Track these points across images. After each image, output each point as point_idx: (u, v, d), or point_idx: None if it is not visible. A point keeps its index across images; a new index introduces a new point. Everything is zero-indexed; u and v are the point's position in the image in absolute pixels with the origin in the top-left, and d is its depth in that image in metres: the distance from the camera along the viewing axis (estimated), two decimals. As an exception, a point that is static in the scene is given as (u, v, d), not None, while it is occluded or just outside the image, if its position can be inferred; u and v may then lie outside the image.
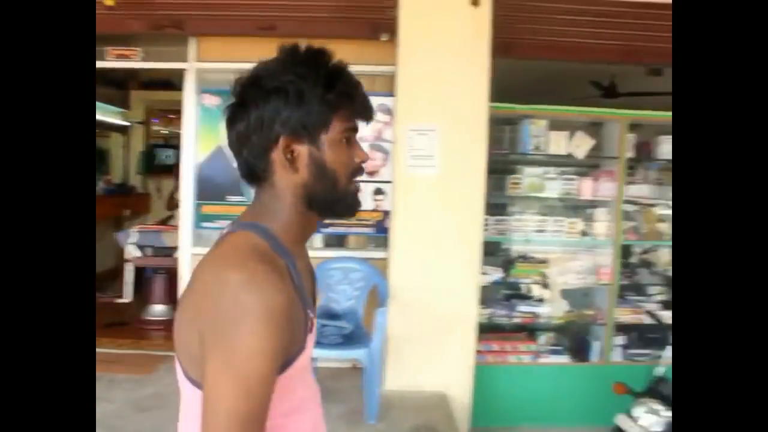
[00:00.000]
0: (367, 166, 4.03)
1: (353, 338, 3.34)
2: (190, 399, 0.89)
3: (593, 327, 4.13)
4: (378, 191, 3.99)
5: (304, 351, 0.91)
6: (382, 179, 3.98)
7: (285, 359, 0.86)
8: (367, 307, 3.69)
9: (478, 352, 3.77)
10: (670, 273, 4.18)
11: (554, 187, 3.94)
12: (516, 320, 3.98)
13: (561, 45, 3.78)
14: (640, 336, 4.07)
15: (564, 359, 4.05)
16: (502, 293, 4.11)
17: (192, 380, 0.88)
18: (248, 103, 0.90)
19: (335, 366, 3.89)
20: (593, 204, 4.04)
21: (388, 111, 3.84)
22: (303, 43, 0.92)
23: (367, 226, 4.01)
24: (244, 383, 0.78)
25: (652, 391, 2.77)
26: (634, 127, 3.97)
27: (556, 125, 3.91)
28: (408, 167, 3.59)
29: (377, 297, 3.64)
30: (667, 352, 2.99)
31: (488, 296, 3.92)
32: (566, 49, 3.80)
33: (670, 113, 4.02)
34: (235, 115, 0.92)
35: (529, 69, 4.81)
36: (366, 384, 3.33)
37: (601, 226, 3.94)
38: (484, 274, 3.84)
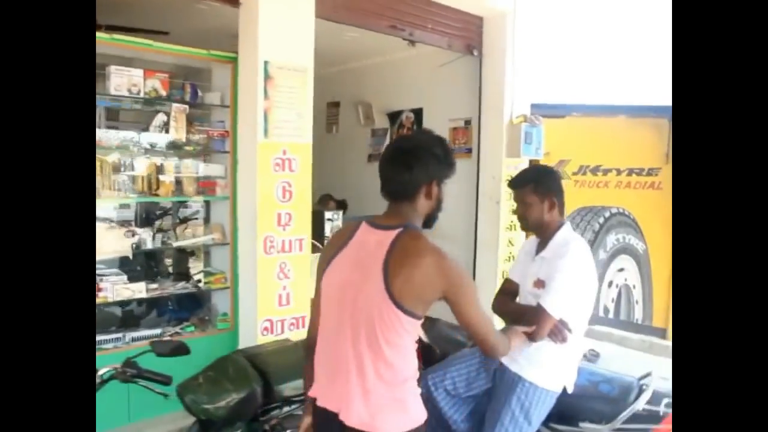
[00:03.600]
0: None
1: None
2: (401, 321, 1.58)
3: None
4: None
5: None
6: None
7: None
8: None
9: None
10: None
11: None
12: None
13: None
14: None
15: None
16: None
17: (409, 312, 1.58)
18: (420, 157, 1.66)
19: None
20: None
21: None
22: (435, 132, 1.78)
23: None
24: (478, 301, 1.67)
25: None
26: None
27: None
28: None
29: None
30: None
31: None
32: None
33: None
34: (411, 163, 1.66)
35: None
36: None
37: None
38: None
